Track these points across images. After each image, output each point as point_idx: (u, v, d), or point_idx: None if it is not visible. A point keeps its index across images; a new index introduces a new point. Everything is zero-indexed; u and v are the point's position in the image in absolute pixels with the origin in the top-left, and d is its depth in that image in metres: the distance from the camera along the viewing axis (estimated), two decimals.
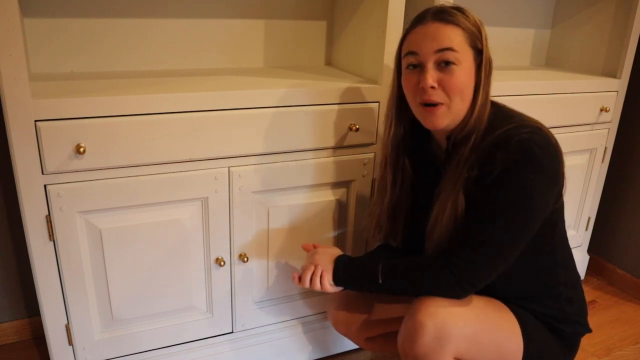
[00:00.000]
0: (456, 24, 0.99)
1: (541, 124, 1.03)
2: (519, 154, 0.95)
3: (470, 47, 1.01)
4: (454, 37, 0.99)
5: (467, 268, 0.98)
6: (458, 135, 1.04)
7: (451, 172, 1.04)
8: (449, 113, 1.02)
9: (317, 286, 1.13)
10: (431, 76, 1.00)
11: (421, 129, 1.12)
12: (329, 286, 1.13)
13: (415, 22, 1.04)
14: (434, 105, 1.02)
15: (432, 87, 1.00)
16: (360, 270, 1.11)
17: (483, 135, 1.02)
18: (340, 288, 1.14)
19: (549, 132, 1.02)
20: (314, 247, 1.23)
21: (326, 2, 1.62)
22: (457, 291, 1.00)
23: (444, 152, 1.09)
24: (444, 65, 0.99)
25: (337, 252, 1.19)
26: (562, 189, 1.05)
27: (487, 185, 0.98)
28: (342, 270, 1.12)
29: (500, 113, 1.05)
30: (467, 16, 1.01)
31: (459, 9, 1.02)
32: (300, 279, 1.16)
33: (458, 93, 1.00)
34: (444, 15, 1.00)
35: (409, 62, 1.03)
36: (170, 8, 1.43)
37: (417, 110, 1.06)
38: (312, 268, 1.14)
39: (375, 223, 1.24)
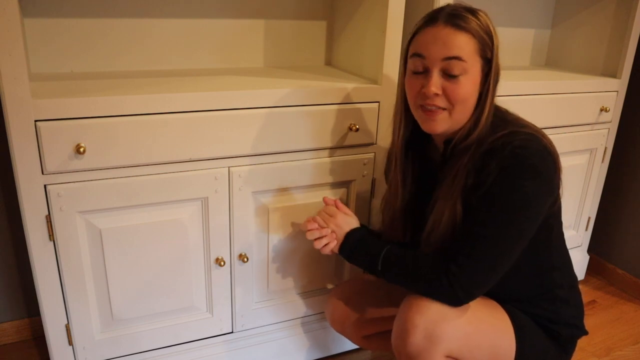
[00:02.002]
0: (468, 31, 0.96)
1: (538, 130, 1.02)
2: (513, 160, 0.95)
3: (480, 56, 0.98)
4: (465, 46, 0.96)
5: (465, 277, 0.98)
6: (459, 145, 1.03)
7: (449, 180, 1.03)
8: (449, 119, 1.01)
9: (320, 247, 1.17)
10: (435, 83, 0.98)
11: (422, 131, 1.12)
12: (330, 252, 1.18)
13: (427, 21, 1.00)
14: (433, 110, 1.01)
15: (436, 94, 0.99)
16: (364, 253, 1.13)
17: (481, 142, 1.01)
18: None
19: (546, 137, 1.01)
20: (336, 205, 1.23)
21: (326, 2, 1.62)
22: (454, 300, 1.00)
23: (441, 155, 1.09)
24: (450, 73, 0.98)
25: (354, 223, 1.20)
26: (558, 194, 1.04)
27: (483, 193, 0.97)
28: (349, 247, 1.15)
29: (498, 118, 1.04)
30: (480, 21, 0.98)
31: (472, 12, 0.98)
32: (310, 227, 1.18)
33: (461, 102, 0.99)
34: (457, 20, 0.96)
35: (414, 64, 1.01)
36: (170, 8, 1.43)
37: (416, 113, 1.05)
38: (329, 233, 1.17)
39: (388, 223, 1.23)
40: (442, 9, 1.00)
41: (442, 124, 1.02)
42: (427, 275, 1.01)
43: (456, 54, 0.96)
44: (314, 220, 1.20)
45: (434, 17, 0.99)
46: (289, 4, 1.57)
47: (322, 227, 1.18)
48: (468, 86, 0.98)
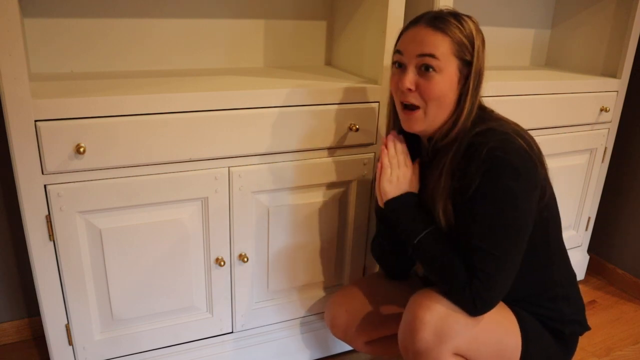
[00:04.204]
0: (445, 32, 1.00)
1: (516, 129, 1.03)
2: (491, 163, 0.96)
3: (456, 57, 1.00)
4: (439, 45, 0.99)
5: (485, 295, 0.99)
6: (440, 142, 1.05)
7: (434, 181, 1.05)
8: (425, 119, 1.04)
9: (379, 174, 1.12)
10: (409, 79, 1.02)
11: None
12: (378, 191, 1.12)
13: (411, 23, 1.06)
14: (411, 108, 1.04)
15: (410, 90, 1.02)
16: (409, 220, 1.08)
17: (461, 140, 1.02)
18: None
19: (523, 135, 1.02)
20: (416, 162, 1.15)
21: (326, 2, 1.62)
22: (471, 312, 1.01)
23: (426, 154, 1.11)
24: (424, 70, 1.01)
25: (414, 186, 1.13)
26: (544, 188, 1.05)
27: (469, 200, 0.99)
28: (399, 205, 1.10)
29: (479, 117, 1.05)
30: (462, 26, 1.01)
31: (456, 17, 1.02)
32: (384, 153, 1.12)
33: (434, 99, 1.01)
34: (437, 22, 1.01)
35: (395, 59, 1.06)
36: (170, 8, 1.43)
37: (398, 110, 1.09)
38: (393, 179, 1.10)
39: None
40: (427, 12, 1.05)
41: (418, 123, 1.05)
42: (454, 284, 1.00)
43: (429, 51, 0.99)
44: (388, 156, 1.12)
45: (418, 19, 1.04)
46: (289, 4, 1.57)
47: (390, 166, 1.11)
48: (441, 85, 1.00)
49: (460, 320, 1.00)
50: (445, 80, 1.01)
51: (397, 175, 1.11)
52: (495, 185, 0.97)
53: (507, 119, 1.08)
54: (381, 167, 1.12)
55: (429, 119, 1.04)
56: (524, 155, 0.99)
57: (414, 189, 1.13)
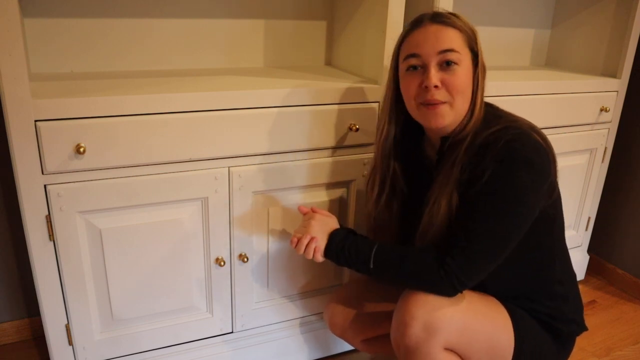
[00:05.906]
0: (454, 26, 1.02)
1: (530, 124, 1.05)
2: (507, 153, 0.97)
3: (469, 48, 1.03)
4: (455, 38, 1.01)
5: (460, 268, 0.99)
6: (456, 137, 1.05)
7: (445, 172, 1.04)
8: (451, 112, 1.03)
9: (310, 256, 1.13)
10: (435, 75, 1.01)
11: (414, 133, 1.13)
12: (321, 258, 1.14)
13: (413, 25, 1.06)
14: (435, 103, 1.02)
15: (436, 87, 1.01)
16: (353, 251, 1.10)
17: (475, 136, 1.03)
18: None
19: (539, 131, 1.04)
20: (312, 210, 1.20)
21: (326, 2, 1.62)
22: (449, 291, 1.01)
23: (437, 153, 1.10)
24: (446, 65, 1.01)
25: (334, 224, 1.18)
26: (554, 185, 1.06)
27: (479, 187, 0.99)
28: (335, 247, 1.12)
29: (491, 113, 1.07)
30: (461, 19, 1.04)
31: (453, 14, 1.04)
32: (297, 244, 1.15)
33: (460, 92, 1.02)
34: (441, 18, 1.03)
35: (409, 64, 1.04)
36: (170, 8, 1.43)
37: (417, 112, 1.07)
38: (308, 238, 1.13)
39: (381, 235, 1.24)
40: (424, 14, 1.06)
41: (446, 118, 1.04)
42: (424, 271, 1.01)
43: (449, 46, 1.01)
44: (294, 236, 1.16)
45: (419, 20, 1.05)
46: (289, 4, 1.57)
47: (302, 237, 1.14)
48: (464, 76, 1.02)
49: (450, 314, 1.00)
50: (466, 72, 1.02)
51: (314, 230, 1.14)
52: (507, 175, 0.97)
53: (515, 114, 1.08)
54: (308, 239, 1.13)
55: (456, 112, 1.04)
56: (540, 149, 1.00)
57: (334, 222, 1.18)
